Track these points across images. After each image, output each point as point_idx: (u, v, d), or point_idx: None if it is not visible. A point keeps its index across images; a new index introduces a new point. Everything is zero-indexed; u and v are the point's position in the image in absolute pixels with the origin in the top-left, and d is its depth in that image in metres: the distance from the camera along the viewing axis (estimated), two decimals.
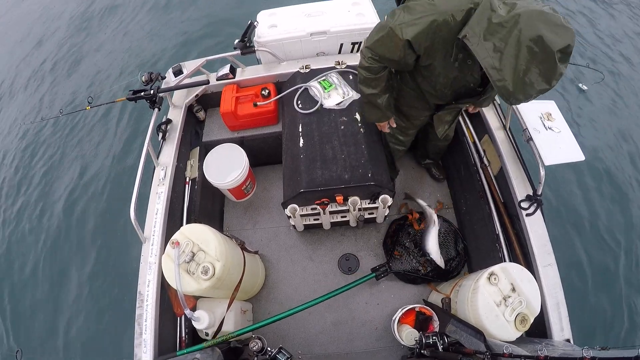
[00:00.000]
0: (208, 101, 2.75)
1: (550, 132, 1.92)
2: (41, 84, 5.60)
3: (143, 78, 2.28)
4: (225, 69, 2.50)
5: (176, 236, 1.75)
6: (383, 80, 1.73)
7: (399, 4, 2.61)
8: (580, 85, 2.58)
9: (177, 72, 2.46)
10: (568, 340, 1.63)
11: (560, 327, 1.65)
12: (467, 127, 2.42)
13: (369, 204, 2.19)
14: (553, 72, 1.16)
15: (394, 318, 2.08)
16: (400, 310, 2.08)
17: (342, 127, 2.17)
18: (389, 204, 2.16)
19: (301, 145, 2.15)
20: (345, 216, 2.35)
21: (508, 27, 1.17)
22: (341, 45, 2.62)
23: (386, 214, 2.40)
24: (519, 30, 1.14)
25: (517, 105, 2.02)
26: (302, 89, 2.39)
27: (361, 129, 2.15)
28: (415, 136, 2.36)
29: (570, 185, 3.46)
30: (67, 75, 5.54)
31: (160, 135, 2.39)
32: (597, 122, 3.92)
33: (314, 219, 2.37)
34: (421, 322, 1.98)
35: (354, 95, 2.30)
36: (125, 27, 5.93)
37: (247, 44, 2.48)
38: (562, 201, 3.36)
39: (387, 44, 1.53)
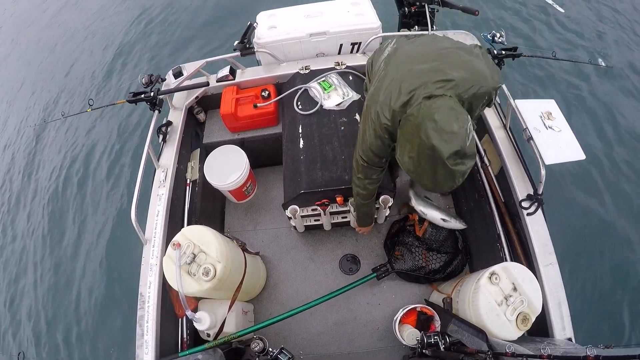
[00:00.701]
0: (208, 103, 2.76)
1: (551, 131, 1.92)
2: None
3: (143, 80, 2.28)
4: (225, 71, 2.50)
5: (177, 238, 1.75)
6: (373, 195, 1.87)
7: (400, 7, 2.62)
8: (600, 61, 2.54)
9: (177, 74, 2.46)
10: (570, 339, 1.62)
11: (562, 326, 1.64)
12: None
13: None
14: (452, 175, 1.26)
15: (395, 318, 2.08)
16: (401, 310, 2.08)
17: (342, 127, 2.17)
18: (390, 204, 2.16)
19: (301, 146, 2.15)
20: (346, 217, 2.35)
21: (415, 135, 1.26)
22: (341, 45, 2.62)
23: (387, 215, 2.40)
24: (420, 138, 1.23)
25: (518, 105, 2.02)
26: (302, 90, 2.39)
27: None
28: None
29: (572, 182, 3.45)
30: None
31: (161, 137, 2.39)
32: (603, 112, 3.90)
33: (315, 220, 2.37)
34: (422, 322, 1.98)
35: (353, 96, 2.30)
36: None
37: (247, 45, 2.48)
38: (564, 199, 3.36)
39: (367, 172, 1.68)
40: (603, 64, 2.34)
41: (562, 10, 4.85)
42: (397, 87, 1.38)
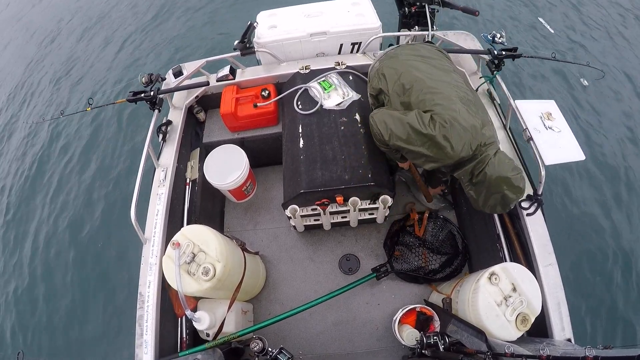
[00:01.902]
0: (208, 102, 2.76)
1: (551, 132, 1.93)
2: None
3: (143, 79, 2.28)
4: (225, 70, 2.50)
5: (177, 237, 1.75)
6: None
7: (400, 7, 2.61)
8: (581, 80, 2.56)
9: (177, 74, 2.46)
10: (569, 340, 1.63)
11: (561, 327, 1.64)
12: None
13: (369, 204, 2.19)
14: (505, 209, 1.73)
15: (394, 318, 2.08)
16: (401, 310, 2.08)
17: (342, 127, 2.17)
18: (389, 204, 2.16)
19: (301, 146, 2.15)
20: (346, 217, 2.35)
21: (488, 181, 1.62)
22: (341, 45, 2.62)
23: (386, 214, 2.40)
24: (492, 186, 1.63)
25: (518, 105, 2.03)
26: (302, 89, 2.39)
27: (361, 130, 2.15)
28: None
29: (571, 183, 3.45)
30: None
31: (161, 136, 2.39)
32: (600, 116, 3.91)
33: (315, 220, 2.37)
34: (422, 322, 1.98)
35: (353, 95, 2.30)
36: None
37: (247, 45, 2.48)
38: (564, 200, 3.36)
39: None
40: (585, 83, 2.39)
41: (552, 30, 4.83)
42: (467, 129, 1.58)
